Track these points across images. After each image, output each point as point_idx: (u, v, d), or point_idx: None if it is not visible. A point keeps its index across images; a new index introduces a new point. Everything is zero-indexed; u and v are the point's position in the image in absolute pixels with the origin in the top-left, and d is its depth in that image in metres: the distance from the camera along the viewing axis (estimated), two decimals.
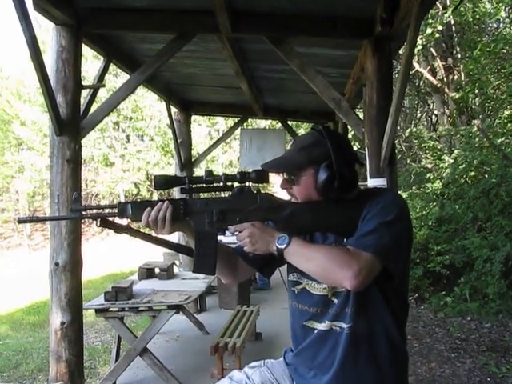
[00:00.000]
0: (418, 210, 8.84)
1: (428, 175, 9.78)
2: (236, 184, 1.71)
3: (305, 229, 1.67)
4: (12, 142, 21.97)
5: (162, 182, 1.71)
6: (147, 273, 5.22)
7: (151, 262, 5.57)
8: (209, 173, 1.69)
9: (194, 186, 1.70)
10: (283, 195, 1.79)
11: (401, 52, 5.59)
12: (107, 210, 1.71)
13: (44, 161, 19.49)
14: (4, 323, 8.03)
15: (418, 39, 7.73)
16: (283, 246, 1.56)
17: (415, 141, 11.93)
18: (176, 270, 5.89)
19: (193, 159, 7.94)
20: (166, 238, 1.85)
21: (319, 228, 1.68)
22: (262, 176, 1.70)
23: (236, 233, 1.66)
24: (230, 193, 1.71)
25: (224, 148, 19.84)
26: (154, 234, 1.77)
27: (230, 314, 5.08)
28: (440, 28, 8.75)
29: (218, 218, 1.68)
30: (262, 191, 1.73)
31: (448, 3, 9.47)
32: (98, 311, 4.19)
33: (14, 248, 20.55)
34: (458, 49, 11.31)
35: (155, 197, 21.83)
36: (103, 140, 20.86)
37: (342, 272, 1.47)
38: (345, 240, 1.61)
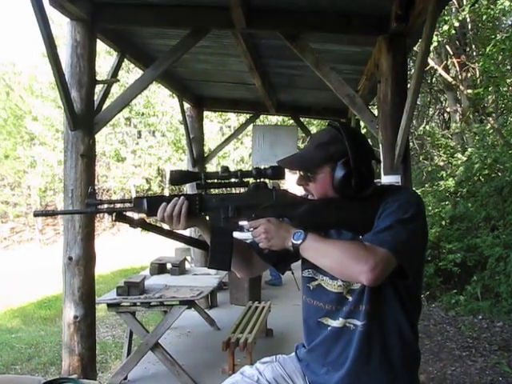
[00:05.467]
0: (430, 208, 8.77)
1: (441, 173, 9.72)
2: (251, 180, 1.70)
3: (320, 225, 1.66)
4: (24, 136, 22.14)
5: (178, 177, 1.70)
6: (159, 268, 5.23)
7: (163, 258, 5.58)
8: (225, 169, 1.68)
9: (210, 181, 1.69)
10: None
11: (415, 49, 5.58)
12: (121, 205, 1.71)
13: (56, 156, 19.61)
14: (16, 317, 8.09)
15: (434, 36, 7.66)
16: (299, 242, 1.56)
17: (428, 138, 11.86)
18: (187, 265, 5.89)
19: (205, 155, 7.96)
20: (180, 232, 1.85)
21: (335, 225, 1.67)
22: (278, 172, 1.68)
23: (251, 229, 1.66)
24: (246, 189, 1.70)
25: (235, 144, 19.83)
26: (167, 228, 1.77)
27: (241, 310, 5.09)
28: (456, 24, 8.70)
29: (233, 214, 1.67)
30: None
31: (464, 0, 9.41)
32: (110, 306, 4.20)
33: (25, 242, 20.74)
34: (474, 46, 11.21)
35: (166, 192, 21.94)
36: (115, 135, 20.95)
37: (358, 266, 1.46)
38: (360, 237, 1.60)
